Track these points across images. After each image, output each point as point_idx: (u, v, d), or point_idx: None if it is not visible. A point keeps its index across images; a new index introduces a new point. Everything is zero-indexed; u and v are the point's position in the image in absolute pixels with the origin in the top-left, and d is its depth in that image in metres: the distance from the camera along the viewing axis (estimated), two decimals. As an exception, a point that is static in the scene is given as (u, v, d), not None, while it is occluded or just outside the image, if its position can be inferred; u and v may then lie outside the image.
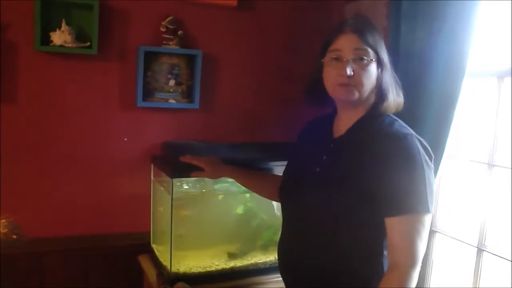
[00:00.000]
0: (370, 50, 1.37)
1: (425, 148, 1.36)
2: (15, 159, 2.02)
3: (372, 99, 1.43)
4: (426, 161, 1.33)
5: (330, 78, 1.40)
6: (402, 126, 1.40)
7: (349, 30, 1.38)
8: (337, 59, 1.38)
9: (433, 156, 1.39)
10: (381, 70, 1.40)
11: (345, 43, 1.37)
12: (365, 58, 1.36)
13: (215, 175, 1.86)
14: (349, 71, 1.34)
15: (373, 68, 1.38)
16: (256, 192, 1.89)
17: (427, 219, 1.31)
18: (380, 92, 1.41)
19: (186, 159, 1.85)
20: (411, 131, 1.38)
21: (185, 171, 1.85)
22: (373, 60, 1.37)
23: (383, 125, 1.40)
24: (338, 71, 1.37)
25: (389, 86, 1.41)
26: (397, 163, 1.30)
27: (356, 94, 1.37)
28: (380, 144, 1.35)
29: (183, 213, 2.02)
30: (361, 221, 1.37)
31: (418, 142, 1.35)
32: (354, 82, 1.36)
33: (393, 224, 1.31)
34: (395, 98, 1.42)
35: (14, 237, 1.36)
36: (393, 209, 1.30)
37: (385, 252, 1.38)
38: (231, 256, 2.10)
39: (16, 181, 2.03)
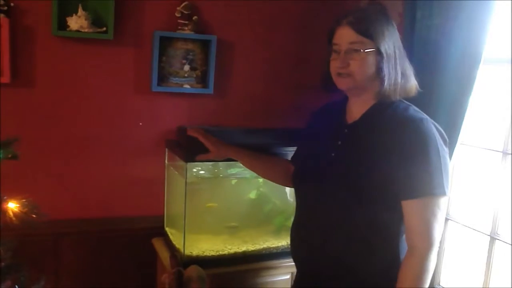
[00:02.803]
0: (367, 40, 1.39)
1: (440, 132, 1.39)
2: (31, 142, 2.04)
3: (377, 87, 1.44)
4: (441, 144, 1.36)
5: (331, 68, 1.47)
6: (416, 111, 1.42)
7: (345, 22, 1.42)
8: (336, 51, 1.45)
9: (447, 140, 1.41)
10: (381, 58, 1.40)
11: (340, 37, 1.43)
12: (360, 49, 1.40)
13: (221, 156, 1.86)
14: (344, 63, 1.41)
15: (369, 57, 1.40)
16: (261, 175, 1.93)
17: (444, 201, 1.34)
18: (380, 79, 1.42)
19: (193, 132, 1.86)
20: (425, 115, 1.40)
21: (199, 154, 1.86)
22: (370, 50, 1.39)
23: (397, 110, 1.42)
24: (336, 63, 1.44)
25: (388, 73, 1.41)
26: (413, 146, 1.33)
27: (350, 83, 1.43)
28: (395, 128, 1.37)
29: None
30: (378, 204, 1.39)
31: (433, 126, 1.36)
32: (348, 72, 1.41)
33: (410, 207, 1.34)
34: (400, 83, 1.43)
35: (34, 216, 1.39)
36: (410, 192, 1.33)
37: (403, 236, 1.40)
38: (231, 229, 2.13)
39: (33, 163, 2.06)
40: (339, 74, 1.43)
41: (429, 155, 1.32)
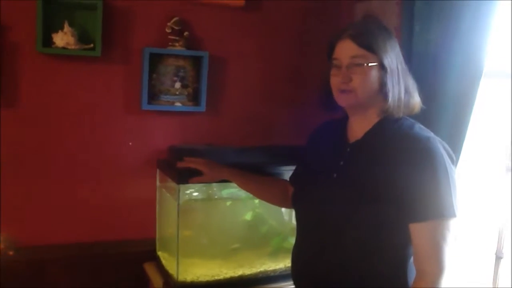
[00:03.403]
0: (369, 54, 1.34)
1: (447, 151, 1.33)
2: (16, 164, 1.96)
3: (380, 103, 1.38)
4: (449, 164, 1.30)
5: (333, 85, 1.41)
6: (422, 129, 1.37)
7: (346, 36, 1.36)
8: (336, 66, 1.38)
9: (455, 159, 1.36)
10: (385, 73, 1.35)
11: (342, 51, 1.37)
12: (362, 63, 1.34)
13: (215, 177, 1.80)
14: (346, 79, 1.35)
15: (372, 72, 1.34)
16: (258, 196, 1.86)
17: (453, 223, 1.27)
18: (383, 95, 1.37)
19: (183, 164, 1.80)
20: (432, 134, 1.35)
21: (192, 177, 1.79)
22: (373, 64, 1.34)
23: (402, 128, 1.37)
24: (338, 78, 1.37)
25: (392, 88, 1.35)
26: (420, 167, 1.27)
27: (352, 99, 1.36)
28: (401, 147, 1.31)
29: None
30: (383, 227, 1.33)
31: (440, 145, 1.31)
32: (351, 88, 1.35)
33: (418, 230, 1.28)
34: (403, 99, 1.38)
35: (11, 253, 1.30)
36: (418, 214, 1.27)
37: (410, 260, 1.34)
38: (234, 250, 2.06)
39: (17, 186, 1.97)
40: (341, 91, 1.37)
41: (437, 176, 1.26)
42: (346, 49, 1.35)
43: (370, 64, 1.33)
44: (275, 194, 1.79)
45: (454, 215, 1.27)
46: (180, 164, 1.81)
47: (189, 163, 1.79)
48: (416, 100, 1.42)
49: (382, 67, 1.34)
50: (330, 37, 1.43)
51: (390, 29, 1.44)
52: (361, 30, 1.37)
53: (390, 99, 1.35)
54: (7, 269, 1.87)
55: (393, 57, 1.37)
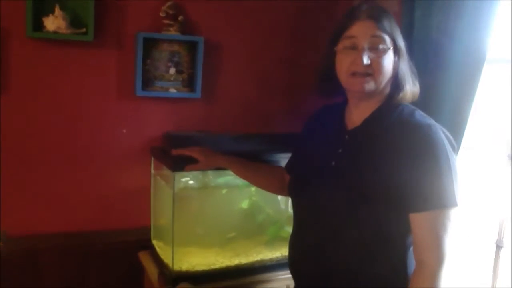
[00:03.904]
0: (387, 37, 1.30)
1: (449, 139, 1.30)
2: (6, 152, 1.91)
3: (388, 89, 1.36)
4: (451, 152, 1.26)
5: (343, 67, 1.33)
6: (423, 116, 1.33)
7: (365, 16, 1.30)
8: (352, 47, 1.30)
9: (456, 147, 1.32)
10: (398, 59, 1.33)
11: (361, 30, 1.29)
12: (382, 45, 1.29)
13: (210, 165, 1.77)
14: (365, 60, 1.27)
15: (390, 56, 1.31)
16: (254, 184, 1.83)
17: (454, 213, 1.24)
18: (396, 81, 1.34)
19: (178, 151, 1.77)
20: (433, 121, 1.31)
21: (187, 164, 1.75)
22: (390, 48, 1.30)
23: (402, 115, 1.33)
24: (353, 60, 1.30)
25: (406, 76, 1.34)
26: (422, 155, 1.23)
27: (372, 85, 1.30)
28: (401, 135, 1.27)
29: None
30: (382, 216, 1.30)
31: (441, 132, 1.27)
32: (371, 71, 1.29)
33: (418, 220, 1.24)
34: (411, 87, 1.35)
35: (1, 244, 1.26)
36: (418, 204, 1.23)
37: (410, 249, 1.31)
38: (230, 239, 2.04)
39: (8, 175, 1.93)
40: (358, 74, 1.29)
41: (439, 164, 1.23)
42: (366, 29, 1.29)
43: (389, 47, 1.29)
44: (271, 182, 1.76)
45: (455, 205, 1.23)
46: (175, 152, 1.77)
47: (184, 150, 1.75)
48: (417, 87, 1.39)
49: (397, 52, 1.31)
50: (343, 19, 1.35)
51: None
52: (379, 12, 1.31)
53: (406, 86, 1.32)
54: (2, 258, 1.84)
55: (402, 43, 1.34)
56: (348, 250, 1.35)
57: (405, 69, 1.34)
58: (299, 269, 1.49)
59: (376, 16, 1.30)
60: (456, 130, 1.65)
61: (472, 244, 1.89)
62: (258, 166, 1.80)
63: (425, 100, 1.45)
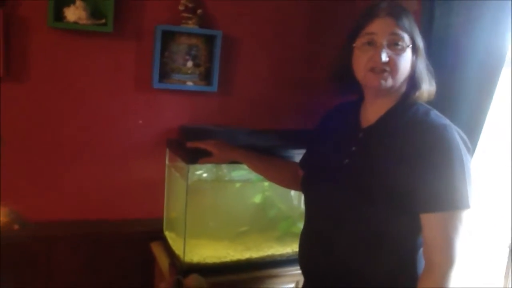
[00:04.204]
0: (405, 35, 1.30)
1: (464, 140, 1.28)
2: (25, 139, 1.95)
3: (404, 87, 1.35)
4: (465, 153, 1.25)
5: (361, 63, 1.32)
6: (438, 116, 1.32)
7: (385, 13, 1.30)
8: (370, 43, 1.30)
9: (471, 149, 1.31)
10: (416, 57, 1.32)
11: (380, 27, 1.29)
12: (401, 43, 1.28)
13: (225, 159, 1.78)
14: (384, 57, 1.27)
15: (408, 54, 1.30)
16: (268, 178, 1.83)
17: (466, 215, 1.22)
18: (413, 80, 1.33)
19: (193, 144, 1.78)
20: (448, 121, 1.30)
21: (200, 156, 1.77)
22: (409, 46, 1.30)
23: (417, 114, 1.32)
24: (371, 56, 1.29)
25: (423, 74, 1.33)
26: (435, 156, 1.22)
27: (390, 81, 1.30)
28: (416, 134, 1.27)
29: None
30: (393, 216, 1.29)
31: (456, 133, 1.26)
32: (389, 69, 1.28)
33: (430, 221, 1.24)
34: (428, 87, 1.34)
35: (16, 227, 1.28)
36: (430, 204, 1.23)
37: (420, 250, 1.31)
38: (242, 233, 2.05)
39: (26, 162, 1.96)
40: (376, 70, 1.29)
41: (452, 165, 1.22)
42: (385, 26, 1.29)
43: (408, 45, 1.29)
44: (285, 176, 1.76)
45: (467, 207, 1.22)
46: (190, 144, 1.78)
47: (199, 143, 1.77)
48: (434, 86, 1.38)
49: (415, 50, 1.31)
50: (362, 15, 1.35)
51: None
52: (398, 10, 1.31)
53: (423, 85, 1.32)
54: (14, 245, 1.87)
55: (421, 42, 1.34)
56: (356, 248, 1.35)
57: (422, 68, 1.34)
58: (307, 265, 1.50)
59: (396, 14, 1.29)
60: (473, 131, 1.63)
61: (485, 246, 1.87)
62: (272, 161, 1.81)
63: (442, 100, 1.43)
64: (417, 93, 1.33)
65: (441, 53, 1.74)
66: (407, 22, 1.30)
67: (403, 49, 1.29)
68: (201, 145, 1.76)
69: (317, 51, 2.29)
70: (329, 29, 2.26)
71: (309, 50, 2.30)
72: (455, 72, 1.69)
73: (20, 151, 1.94)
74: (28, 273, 1.96)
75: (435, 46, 1.77)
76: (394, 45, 1.28)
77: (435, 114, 1.32)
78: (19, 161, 1.95)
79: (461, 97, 1.67)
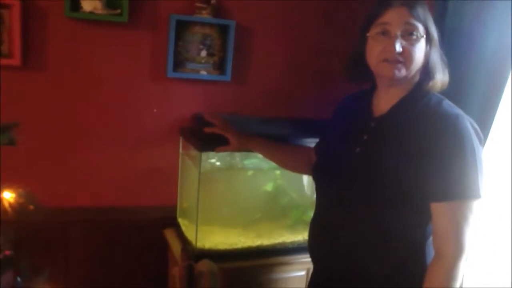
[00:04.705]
0: (420, 25, 1.29)
1: (475, 130, 1.28)
2: (42, 128, 2.00)
3: (417, 77, 1.35)
4: (477, 143, 1.25)
5: (375, 53, 1.32)
6: (450, 105, 1.32)
7: (399, 3, 1.29)
8: (384, 33, 1.30)
9: (482, 139, 1.31)
10: (430, 47, 1.32)
11: (394, 17, 1.29)
12: (415, 33, 1.28)
13: (240, 147, 1.79)
14: (398, 47, 1.27)
15: (422, 44, 1.30)
16: (281, 166, 1.85)
17: (476, 205, 1.23)
18: (426, 70, 1.33)
19: (211, 129, 1.79)
20: (461, 111, 1.29)
21: (214, 144, 1.79)
22: (423, 36, 1.29)
23: (430, 104, 1.32)
24: (385, 46, 1.29)
25: (436, 65, 1.33)
26: (447, 145, 1.22)
27: (404, 71, 1.30)
28: (428, 124, 1.27)
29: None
30: (403, 205, 1.30)
31: (469, 123, 1.26)
32: (403, 59, 1.28)
33: (440, 210, 1.24)
34: (441, 77, 1.34)
35: (31, 207, 1.32)
36: (441, 194, 1.23)
37: (429, 239, 1.32)
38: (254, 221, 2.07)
39: (44, 149, 2.02)
40: (389, 60, 1.29)
41: (463, 155, 1.22)
42: (399, 15, 1.28)
43: (422, 35, 1.29)
44: (300, 163, 1.76)
45: (478, 196, 1.22)
46: (208, 130, 1.79)
47: (217, 125, 1.77)
48: (447, 76, 1.37)
49: (429, 40, 1.31)
50: (376, 5, 1.35)
51: None
52: (412, 0, 1.31)
53: (436, 75, 1.32)
54: (32, 230, 1.93)
55: (435, 32, 1.33)
56: (364, 236, 1.36)
57: (436, 58, 1.33)
58: (317, 253, 1.52)
59: (410, 3, 1.29)
60: (484, 121, 1.63)
61: (495, 238, 1.87)
62: (287, 148, 1.82)
63: (454, 90, 1.42)
64: (431, 83, 1.33)
65: (454, 43, 1.73)
66: (421, 11, 1.30)
67: (417, 39, 1.28)
68: (219, 131, 1.77)
69: (332, 41, 2.29)
70: (344, 18, 2.26)
71: (323, 40, 2.30)
72: (467, 61, 1.68)
73: (38, 138, 1.99)
74: (45, 257, 2.00)
75: (448, 36, 1.76)
76: (409, 35, 1.28)
77: (447, 104, 1.32)
78: (37, 149, 2.00)
79: (473, 86, 1.67)
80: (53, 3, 1.89)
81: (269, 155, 1.80)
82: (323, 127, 1.66)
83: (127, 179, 2.15)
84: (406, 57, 1.28)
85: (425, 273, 1.29)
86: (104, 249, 2.12)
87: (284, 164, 1.83)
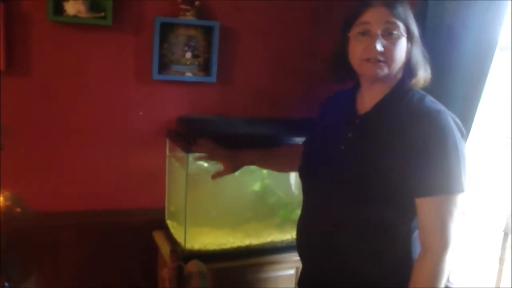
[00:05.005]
0: (400, 24, 1.30)
1: (458, 125, 1.29)
2: (28, 132, 1.99)
3: (400, 75, 1.36)
4: (459, 138, 1.26)
5: (356, 53, 1.33)
6: (433, 102, 1.33)
7: (379, 3, 1.30)
8: (365, 33, 1.31)
9: (465, 133, 1.33)
10: (411, 45, 1.33)
11: (374, 16, 1.30)
12: (395, 32, 1.29)
13: (236, 169, 1.74)
14: (379, 47, 1.28)
15: (403, 42, 1.31)
16: (280, 170, 1.85)
17: (460, 199, 1.25)
18: (409, 67, 1.34)
19: (201, 157, 1.76)
20: (443, 107, 1.31)
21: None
22: (403, 34, 1.30)
23: (412, 101, 1.33)
24: (366, 46, 1.30)
25: (418, 61, 1.34)
26: (430, 141, 1.24)
27: (386, 70, 1.30)
28: (411, 121, 1.28)
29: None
30: (388, 201, 1.31)
31: (450, 118, 1.28)
32: (384, 58, 1.29)
33: (424, 205, 1.26)
34: (423, 73, 1.35)
35: (18, 210, 1.32)
36: (425, 189, 1.24)
37: (415, 233, 1.33)
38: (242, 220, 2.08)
39: (30, 155, 2.00)
40: (371, 60, 1.29)
41: (446, 151, 1.23)
42: (379, 15, 1.29)
43: (403, 34, 1.30)
44: (296, 163, 1.70)
45: (461, 191, 1.24)
46: (199, 158, 1.76)
47: (207, 151, 1.73)
48: (429, 72, 1.38)
49: (411, 38, 1.32)
50: (356, 5, 1.35)
51: None
52: (399, 2, 1.31)
53: (419, 72, 1.33)
54: (21, 234, 1.91)
55: (416, 29, 1.33)
56: (350, 232, 1.37)
57: (418, 55, 1.34)
58: (304, 251, 1.52)
59: (390, 3, 1.30)
60: (466, 115, 1.65)
61: (480, 230, 1.90)
62: (279, 152, 1.80)
63: (436, 86, 1.44)
64: (413, 80, 1.34)
65: (435, 39, 1.76)
66: (401, 10, 1.31)
67: (398, 38, 1.29)
68: (209, 158, 1.75)
69: (317, 41, 2.31)
70: (329, 18, 2.27)
71: (308, 39, 2.32)
72: (449, 57, 1.71)
73: (24, 143, 1.99)
74: (34, 261, 2.00)
75: (429, 32, 1.79)
76: (389, 34, 1.29)
77: (430, 100, 1.33)
78: (24, 153, 1.99)
79: (454, 82, 1.69)
80: (36, 7, 1.89)
81: (265, 165, 1.80)
82: (310, 126, 1.67)
83: (114, 182, 2.15)
84: (387, 56, 1.29)
85: (412, 267, 1.30)
86: (93, 253, 2.12)
87: (281, 168, 1.83)
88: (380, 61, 1.29)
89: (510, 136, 1.75)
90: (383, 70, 1.30)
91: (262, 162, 1.78)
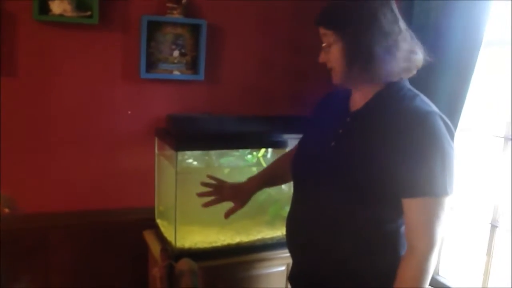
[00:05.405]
0: (328, 32, 1.31)
1: (447, 126, 1.29)
2: (16, 132, 1.97)
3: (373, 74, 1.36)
4: (448, 141, 1.26)
5: None
6: (423, 102, 1.32)
7: (315, 21, 1.35)
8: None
9: (454, 134, 1.33)
10: (355, 43, 1.28)
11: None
12: (325, 42, 1.33)
13: (246, 202, 1.73)
14: (320, 59, 1.35)
15: (335, 49, 1.31)
16: (285, 182, 1.83)
17: (447, 201, 1.25)
18: (369, 66, 1.30)
19: (208, 203, 1.73)
20: (433, 107, 1.30)
21: (190, 143, 1.79)
22: (335, 41, 1.30)
23: (403, 100, 1.33)
24: None
25: (381, 56, 1.28)
26: (417, 142, 1.24)
27: (338, 78, 1.34)
28: (399, 121, 1.28)
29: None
30: (376, 199, 1.31)
31: (440, 119, 1.28)
32: (329, 67, 1.35)
33: (411, 206, 1.26)
34: (393, 64, 1.29)
35: (7, 210, 1.31)
36: (411, 190, 1.25)
37: (401, 231, 1.34)
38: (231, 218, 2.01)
39: (17, 155, 1.99)
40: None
41: (433, 152, 1.23)
42: (320, 33, 1.35)
43: (333, 41, 1.30)
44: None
45: (446, 194, 1.24)
46: (206, 204, 1.73)
47: (218, 194, 1.72)
48: (412, 62, 1.34)
49: (354, 38, 1.29)
50: None
51: None
52: (324, 11, 1.34)
53: (376, 64, 1.28)
54: (10, 235, 1.90)
55: (361, 26, 1.28)
56: (337, 229, 1.37)
57: (378, 50, 1.27)
58: (293, 247, 1.53)
59: (321, 17, 1.33)
60: (453, 111, 1.67)
61: (468, 224, 1.92)
62: (278, 165, 1.78)
63: (423, 84, 1.46)
64: (375, 75, 1.31)
65: (422, 37, 1.76)
66: (334, 18, 1.31)
67: (328, 47, 1.32)
68: (219, 199, 1.72)
69: (305, 38, 2.30)
70: (313, 17, 2.27)
71: (296, 37, 2.33)
72: (435, 54, 1.72)
73: (9, 144, 1.97)
74: (24, 264, 1.99)
75: (415, 30, 1.78)
76: (327, 47, 1.33)
77: (420, 100, 1.32)
78: (11, 154, 1.97)
79: (441, 78, 1.70)
80: (21, 6, 1.87)
81: (271, 183, 1.80)
82: (304, 125, 1.67)
83: (103, 182, 2.14)
84: (329, 66, 1.34)
85: (398, 263, 1.31)
86: (84, 253, 2.11)
87: (285, 180, 1.80)
88: (331, 70, 1.35)
89: (502, 135, 1.77)
90: (335, 78, 1.35)
91: (268, 181, 1.77)
